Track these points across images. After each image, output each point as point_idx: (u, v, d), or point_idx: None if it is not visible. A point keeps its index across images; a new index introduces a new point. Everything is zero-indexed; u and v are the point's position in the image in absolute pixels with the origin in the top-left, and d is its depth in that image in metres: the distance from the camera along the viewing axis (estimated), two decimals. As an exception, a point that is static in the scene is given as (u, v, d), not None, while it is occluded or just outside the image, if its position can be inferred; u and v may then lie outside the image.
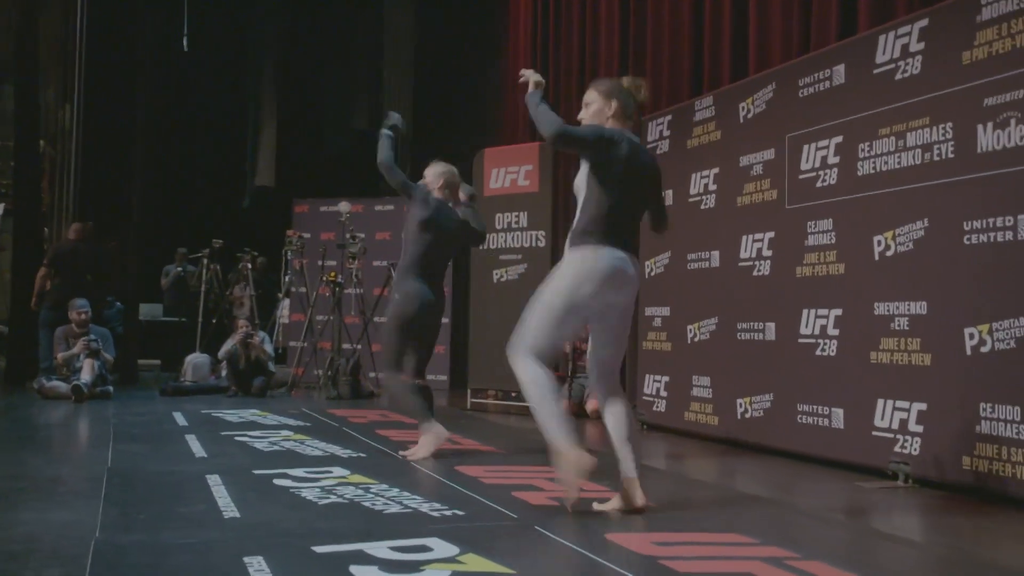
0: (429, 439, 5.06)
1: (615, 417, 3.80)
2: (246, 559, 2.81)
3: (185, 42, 14.96)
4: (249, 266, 10.64)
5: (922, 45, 4.62)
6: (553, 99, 9.60)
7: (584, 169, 3.76)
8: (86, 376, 8.00)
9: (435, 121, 12.91)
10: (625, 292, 3.73)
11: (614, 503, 3.74)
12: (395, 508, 3.69)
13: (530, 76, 3.85)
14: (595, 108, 3.82)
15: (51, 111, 15.46)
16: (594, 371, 3.86)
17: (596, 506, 3.75)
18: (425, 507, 3.72)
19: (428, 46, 13.64)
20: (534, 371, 3.61)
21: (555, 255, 8.07)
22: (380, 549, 2.99)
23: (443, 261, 5.38)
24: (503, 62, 11.04)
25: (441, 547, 3.04)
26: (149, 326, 12.12)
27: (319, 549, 2.97)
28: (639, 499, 3.68)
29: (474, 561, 2.88)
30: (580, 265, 3.63)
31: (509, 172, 8.09)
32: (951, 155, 4.41)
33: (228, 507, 3.63)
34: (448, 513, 3.62)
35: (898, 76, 4.75)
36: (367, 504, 3.76)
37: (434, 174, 5.39)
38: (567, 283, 3.63)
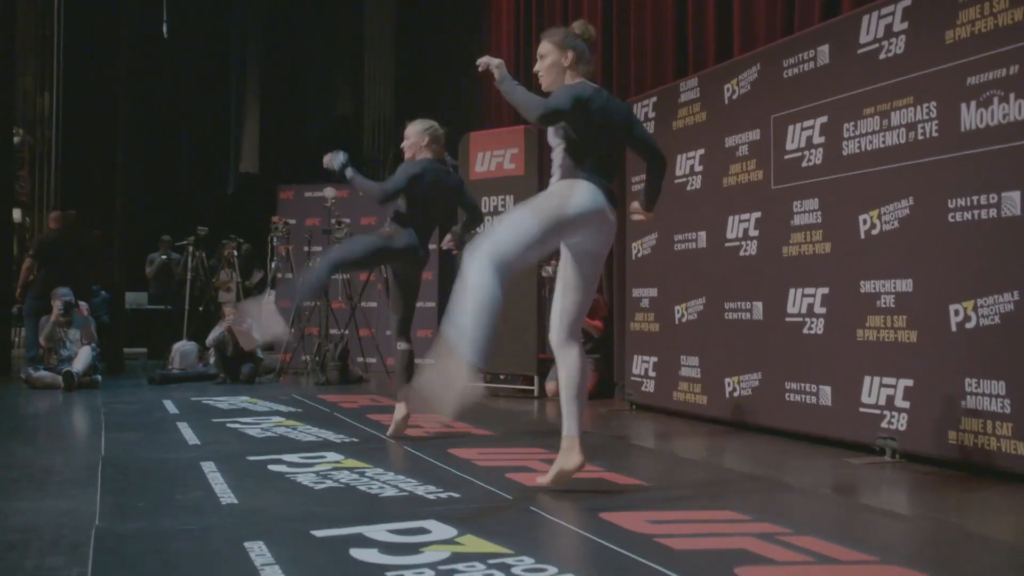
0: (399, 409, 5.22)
1: (568, 370, 3.72)
2: (247, 544, 2.84)
3: (164, 28, 14.87)
4: (235, 252, 10.62)
5: (905, 25, 4.66)
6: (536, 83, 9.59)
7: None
8: (79, 365, 7.98)
9: (418, 105, 12.85)
10: (602, 238, 3.70)
11: (553, 469, 3.70)
12: (391, 492, 3.73)
13: (488, 63, 3.81)
14: (551, 60, 3.78)
15: (29, 99, 15.34)
16: (558, 318, 3.77)
17: (539, 480, 3.73)
18: (421, 490, 3.75)
19: (409, 29, 13.60)
20: (490, 281, 3.37)
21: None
22: (379, 532, 3.02)
23: (434, 218, 5.28)
24: (486, 45, 11.02)
25: (439, 529, 3.08)
26: (135, 314, 12.07)
27: (319, 533, 3.00)
28: (576, 459, 3.63)
29: (472, 542, 2.92)
30: (568, 190, 3.58)
31: (495, 155, 8.09)
32: (935, 134, 4.45)
33: (225, 493, 3.66)
34: (444, 496, 3.65)
35: (882, 56, 4.78)
36: (363, 488, 3.79)
37: (417, 132, 5.25)
38: (553, 203, 3.57)
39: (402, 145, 5.33)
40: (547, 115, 3.59)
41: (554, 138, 3.74)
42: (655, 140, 4.07)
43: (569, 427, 3.68)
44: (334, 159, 5.16)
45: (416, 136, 5.24)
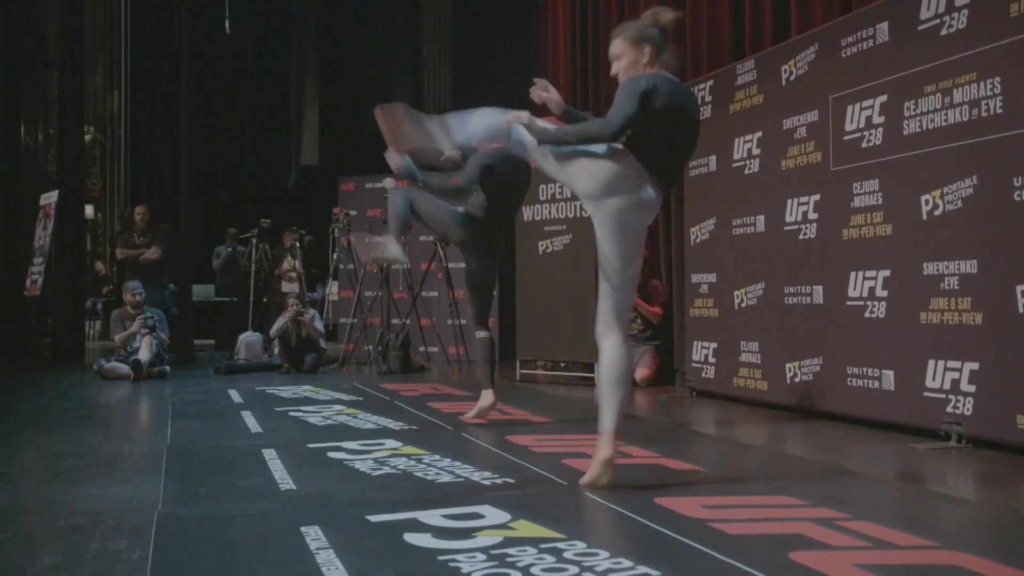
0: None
1: (601, 361, 3.75)
2: (303, 529, 2.89)
3: (227, 24, 15.11)
4: (297, 244, 10.77)
5: (968, -1, 4.54)
6: (592, 72, 9.55)
7: None
8: (144, 355, 8.18)
9: (475, 95, 12.90)
10: (647, 218, 3.66)
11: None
12: (447, 477, 3.76)
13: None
14: (628, 60, 3.61)
15: (99, 97, 15.74)
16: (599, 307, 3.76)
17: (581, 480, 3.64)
18: (476, 476, 3.77)
19: (467, 18, 13.62)
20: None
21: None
22: (433, 517, 3.05)
23: (507, 212, 5.28)
24: (542, 33, 11.00)
25: (493, 514, 3.09)
26: (202, 307, 12.34)
27: (373, 518, 3.04)
28: (604, 452, 3.57)
29: (525, 527, 2.93)
30: (621, 200, 3.54)
31: (551, 143, 8.06)
32: (999, 110, 4.33)
33: (284, 479, 3.72)
34: (499, 481, 3.67)
35: (943, 32, 4.66)
36: (419, 474, 3.83)
37: None
38: (617, 224, 3.60)
39: None
40: (622, 129, 3.46)
41: None
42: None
43: (601, 421, 3.66)
44: (400, 166, 5.01)
45: None
